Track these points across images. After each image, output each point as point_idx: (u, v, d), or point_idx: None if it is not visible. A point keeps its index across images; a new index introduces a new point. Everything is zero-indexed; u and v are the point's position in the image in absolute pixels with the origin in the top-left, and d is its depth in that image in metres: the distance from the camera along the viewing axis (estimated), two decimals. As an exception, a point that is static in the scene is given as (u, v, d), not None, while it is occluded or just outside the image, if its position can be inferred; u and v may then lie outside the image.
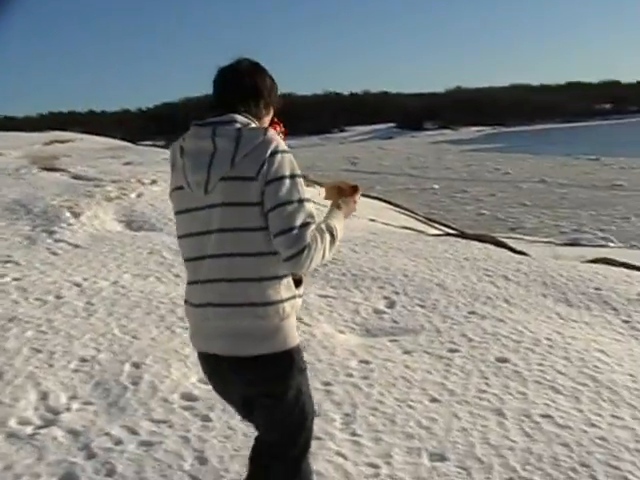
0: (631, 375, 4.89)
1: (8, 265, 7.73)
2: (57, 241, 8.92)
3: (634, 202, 30.43)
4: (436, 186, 35.05)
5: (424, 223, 15.94)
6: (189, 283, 2.56)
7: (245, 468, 3.60)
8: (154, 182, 12.58)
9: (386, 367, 4.93)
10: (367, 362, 5.06)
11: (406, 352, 5.30)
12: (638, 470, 3.60)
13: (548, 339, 5.56)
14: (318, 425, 4.07)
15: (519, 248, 10.85)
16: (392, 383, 4.66)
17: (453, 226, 16.65)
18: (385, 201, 19.78)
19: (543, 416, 4.22)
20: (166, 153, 19.55)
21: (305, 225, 2.33)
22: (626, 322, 6.25)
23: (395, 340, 5.53)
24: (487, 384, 4.70)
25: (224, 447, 3.86)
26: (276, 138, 2.37)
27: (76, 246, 8.72)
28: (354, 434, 3.97)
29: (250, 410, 2.61)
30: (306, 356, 5.16)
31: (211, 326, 2.46)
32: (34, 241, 8.88)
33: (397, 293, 6.85)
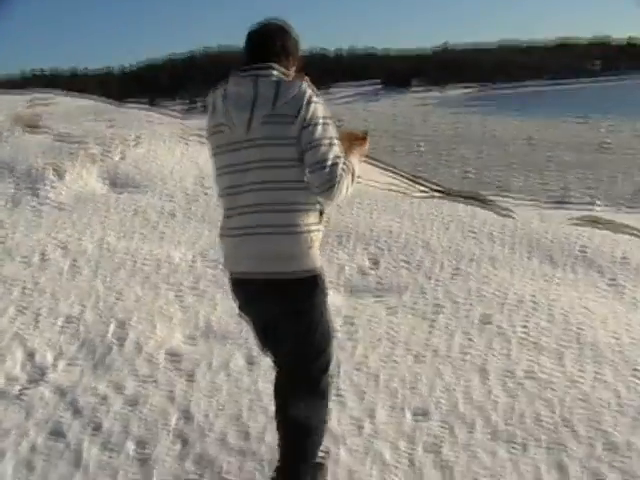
0: (614, 335, 4.94)
1: (-8, 226, 7.67)
2: (41, 202, 8.83)
3: (621, 163, 30.46)
4: (422, 147, 34.94)
5: (409, 183, 15.89)
6: (226, 214, 2.87)
7: (231, 424, 3.67)
8: (138, 143, 12.42)
9: (370, 326, 4.95)
10: (351, 321, 5.08)
11: (390, 311, 5.32)
12: (618, 427, 3.65)
13: (532, 299, 5.59)
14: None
15: (505, 208, 10.87)
16: (376, 342, 4.69)
17: (439, 185, 16.60)
18: (371, 158, 19.65)
19: (526, 375, 4.26)
20: (150, 114, 19.37)
21: (336, 162, 2.69)
22: (611, 283, 6.29)
23: (380, 299, 5.54)
24: (471, 343, 4.74)
25: (209, 404, 3.89)
26: (311, 88, 2.73)
27: (60, 207, 8.65)
28: (338, 392, 3.99)
29: (274, 334, 2.90)
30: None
31: (248, 250, 2.78)
32: (18, 202, 8.80)
33: (382, 252, 6.85)
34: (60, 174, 9.97)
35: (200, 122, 17.30)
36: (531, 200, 21.29)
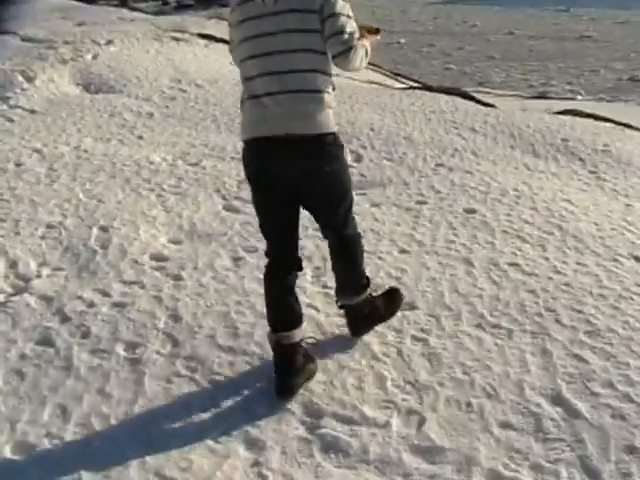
0: (596, 224, 4.97)
1: (-36, 133, 7.50)
2: (12, 107, 8.62)
3: (603, 54, 30.11)
4: (402, 40, 34.19)
5: (390, 77, 15.65)
6: (249, 79, 3.04)
7: (219, 323, 3.69)
8: (110, 42, 12.08)
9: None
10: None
11: (374, 205, 5.31)
12: (599, 313, 3.71)
13: (515, 190, 5.59)
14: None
15: (487, 101, 10.76)
16: (361, 235, 4.67)
17: (420, 80, 16.39)
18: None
19: (510, 264, 4.30)
20: (121, 12, 18.77)
21: (352, 32, 2.93)
22: (592, 172, 6.29)
23: (363, 193, 5.51)
24: (455, 234, 4.75)
25: (197, 304, 3.90)
26: None
27: (33, 112, 8.45)
28: (325, 286, 4.02)
29: (300, 192, 3.10)
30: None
31: (277, 111, 2.97)
32: (-12, 108, 8.59)
33: (364, 147, 6.79)
34: (30, 78, 9.72)
35: (174, 19, 16.83)
36: (513, 93, 21.12)
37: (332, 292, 3.55)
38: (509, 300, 3.86)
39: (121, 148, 6.90)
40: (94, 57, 11.16)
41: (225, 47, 12.65)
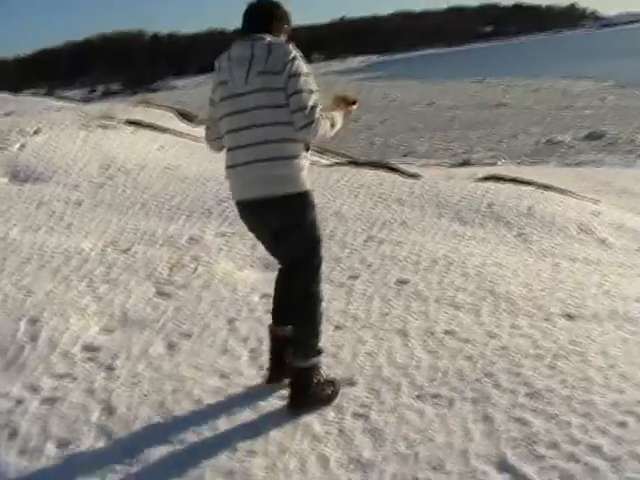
0: (527, 285, 5.07)
1: None
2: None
3: (520, 120, 31.32)
4: (327, 117, 34.97)
5: (318, 154, 15.89)
6: (230, 150, 3.53)
7: (154, 413, 3.59)
8: (37, 132, 11.98)
9: (289, 299, 4.91)
10: (269, 296, 5.04)
11: (308, 283, 5.30)
12: (538, 374, 3.74)
13: (446, 257, 5.68)
14: (225, 363, 4.06)
15: (412, 172, 10.99)
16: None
17: (347, 155, 16.68)
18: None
19: (446, 332, 4.32)
20: (46, 102, 18.73)
21: (314, 106, 3.35)
22: (519, 235, 6.45)
23: (296, 271, 5.49)
24: (389, 306, 4.77)
25: (131, 394, 3.79)
26: (295, 49, 3.39)
27: (-42, 203, 8.27)
28: (261, 368, 3.96)
29: (278, 241, 3.59)
30: (208, 295, 5.13)
31: (251, 177, 3.43)
32: None
33: (295, 225, 6.80)
34: (-45, 170, 9.53)
35: (101, 106, 16.85)
36: (437, 161, 21.66)
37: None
38: (447, 368, 3.87)
39: (50, 237, 6.77)
40: (21, 147, 11.04)
41: (152, 132, 12.74)
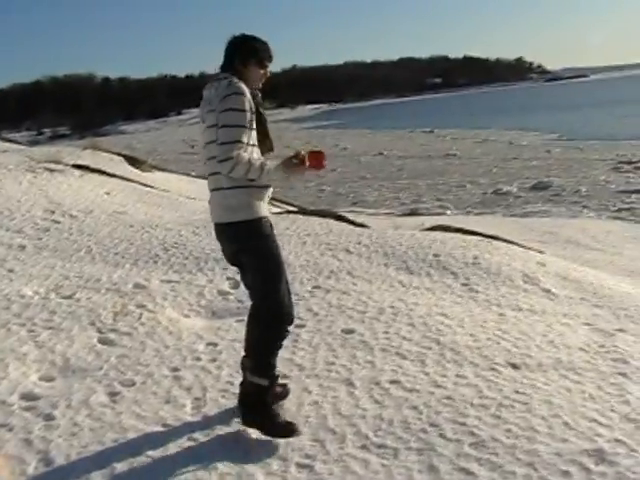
0: (472, 335, 5.11)
1: None
2: None
3: (468, 170, 31.94)
4: (277, 165, 35.17)
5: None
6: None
7: (94, 465, 3.50)
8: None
9: (234, 348, 4.87)
10: (214, 344, 5.01)
11: (255, 331, 5.26)
12: (482, 424, 3.76)
13: (392, 307, 5.70)
14: (168, 412, 3.99)
15: (360, 221, 11.07)
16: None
17: (295, 204, 16.76)
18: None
19: (391, 382, 4.33)
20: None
21: (235, 142, 3.50)
22: (464, 285, 6.52)
23: (241, 320, 5.40)
24: (335, 356, 4.76)
25: (70, 445, 3.68)
26: (235, 86, 3.56)
27: None
28: (206, 417, 3.91)
29: (239, 264, 3.86)
30: (152, 342, 5.04)
31: (213, 203, 3.78)
32: None
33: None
34: None
35: (49, 150, 16.68)
36: (386, 211, 21.90)
37: (213, 423, 3.46)
38: (392, 418, 3.86)
39: (-10, 283, 6.62)
40: (-38, 191, 10.84)
41: (100, 177, 12.65)
